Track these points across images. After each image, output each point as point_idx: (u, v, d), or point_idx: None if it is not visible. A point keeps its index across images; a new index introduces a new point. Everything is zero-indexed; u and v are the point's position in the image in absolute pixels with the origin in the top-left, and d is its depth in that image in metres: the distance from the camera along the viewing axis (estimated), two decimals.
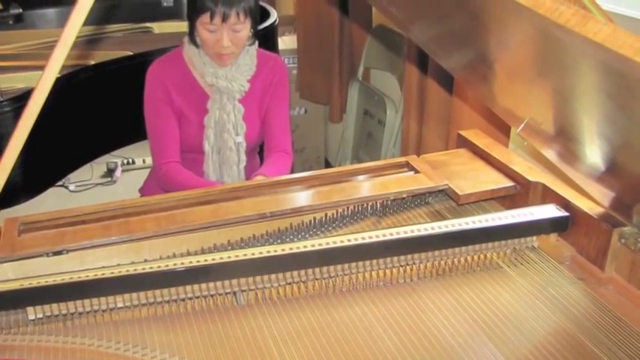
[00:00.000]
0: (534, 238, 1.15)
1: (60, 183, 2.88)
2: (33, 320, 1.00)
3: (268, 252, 1.03)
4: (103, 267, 1.02)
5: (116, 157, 3.16)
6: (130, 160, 3.25)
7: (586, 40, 0.65)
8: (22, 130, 0.98)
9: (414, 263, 1.09)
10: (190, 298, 1.03)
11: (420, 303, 1.03)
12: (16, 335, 0.98)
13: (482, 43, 1.01)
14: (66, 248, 1.10)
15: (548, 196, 1.19)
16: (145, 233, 1.14)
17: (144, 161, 3.20)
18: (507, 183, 1.26)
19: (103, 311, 1.01)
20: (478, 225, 1.10)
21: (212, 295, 1.04)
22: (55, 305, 0.99)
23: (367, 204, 1.24)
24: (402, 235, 1.07)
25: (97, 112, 2.23)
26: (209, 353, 0.94)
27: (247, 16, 1.63)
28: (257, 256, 1.02)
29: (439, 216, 1.26)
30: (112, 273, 1.00)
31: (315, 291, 1.07)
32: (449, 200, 1.29)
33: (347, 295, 1.06)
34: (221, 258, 1.02)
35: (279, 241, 1.17)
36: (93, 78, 2.20)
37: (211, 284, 1.02)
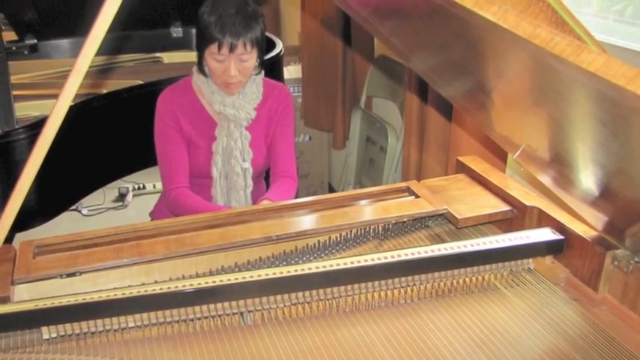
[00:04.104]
0: (530, 260, 1.17)
1: (73, 207, 2.91)
2: (47, 339, 1.02)
3: (274, 274, 1.06)
4: (115, 288, 1.05)
5: (127, 183, 3.18)
6: (141, 185, 3.28)
7: (580, 69, 0.66)
8: (36, 157, 1.01)
9: (414, 284, 1.12)
10: (199, 318, 1.05)
11: (420, 323, 1.05)
12: (30, 354, 1.00)
13: (480, 73, 1.04)
14: (79, 270, 1.13)
15: (543, 219, 1.22)
16: (155, 256, 1.16)
17: (154, 186, 3.22)
18: (504, 207, 1.29)
19: (115, 331, 1.04)
20: (476, 248, 1.13)
21: (220, 315, 1.06)
22: (68, 325, 1.02)
23: (369, 227, 1.27)
24: (403, 258, 1.09)
25: (109, 139, 2.25)
26: None
27: (254, 46, 1.66)
28: (263, 277, 1.05)
29: (439, 239, 1.28)
30: (124, 294, 1.02)
31: (319, 311, 1.09)
32: (448, 224, 1.32)
33: (350, 316, 1.08)
34: (228, 279, 1.05)
35: (284, 263, 1.20)
36: (105, 106, 2.23)
37: (219, 305, 1.05)
